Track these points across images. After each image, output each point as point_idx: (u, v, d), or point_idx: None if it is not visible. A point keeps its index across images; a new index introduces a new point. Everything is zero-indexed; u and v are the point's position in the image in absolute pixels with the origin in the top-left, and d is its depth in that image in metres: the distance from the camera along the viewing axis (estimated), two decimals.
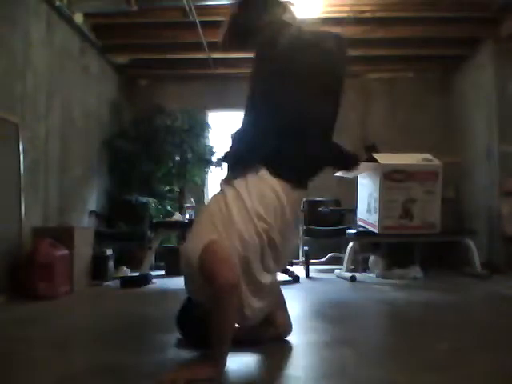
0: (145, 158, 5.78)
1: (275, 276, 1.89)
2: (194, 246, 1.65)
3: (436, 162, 4.75)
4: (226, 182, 1.81)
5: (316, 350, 1.97)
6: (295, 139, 1.79)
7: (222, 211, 1.71)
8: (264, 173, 1.76)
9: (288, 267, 4.51)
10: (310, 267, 4.96)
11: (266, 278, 1.76)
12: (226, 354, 1.61)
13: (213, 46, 5.54)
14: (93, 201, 5.46)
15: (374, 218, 4.66)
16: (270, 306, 1.89)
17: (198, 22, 4.88)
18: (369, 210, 4.79)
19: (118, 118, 6.10)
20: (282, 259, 1.86)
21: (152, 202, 5.56)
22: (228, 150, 1.87)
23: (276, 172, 1.76)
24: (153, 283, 4.34)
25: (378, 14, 4.86)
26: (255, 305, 1.75)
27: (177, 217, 5.09)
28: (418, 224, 4.63)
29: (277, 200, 1.75)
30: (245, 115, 1.87)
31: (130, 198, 5.50)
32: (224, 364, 1.60)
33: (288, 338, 2.08)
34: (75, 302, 3.54)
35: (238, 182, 1.76)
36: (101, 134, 5.68)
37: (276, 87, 1.81)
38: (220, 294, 1.55)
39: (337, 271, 4.97)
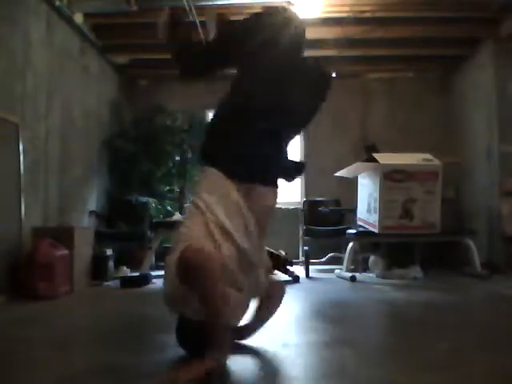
0: (145, 158, 5.78)
1: (257, 273, 1.88)
2: (173, 254, 1.64)
3: (436, 162, 4.75)
4: (198, 196, 1.78)
5: (316, 350, 1.97)
6: (272, 142, 1.82)
7: (202, 228, 1.70)
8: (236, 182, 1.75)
9: (288, 267, 4.51)
10: (310, 267, 4.95)
11: (245, 279, 1.78)
12: (226, 342, 1.57)
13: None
14: (93, 201, 5.46)
15: (373, 218, 4.66)
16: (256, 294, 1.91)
17: (197, 22, 4.88)
18: (369, 210, 4.78)
19: (117, 118, 6.10)
20: (259, 255, 1.87)
21: (152, 201, 5.56)
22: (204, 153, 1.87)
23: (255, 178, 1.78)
24: (153, 283, 4.33)
25: (378, 14, 4.86)
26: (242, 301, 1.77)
27: (177, 217, 5.08)
28: (418, 224, 4.63)
29: (245, 213, 1.75)
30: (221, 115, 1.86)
31: (130, 198, 5.50)
32: (224, 352, 1.56)
33: (288, 338, 2.09)
34: (75, 302, 3.54)
35: (211, 198, 1.73)
36: (101, 134, 5.68)
37: (272, 88, 1.82)
38: (198, 273, 1.51)
39: (337, 271, 4.96)
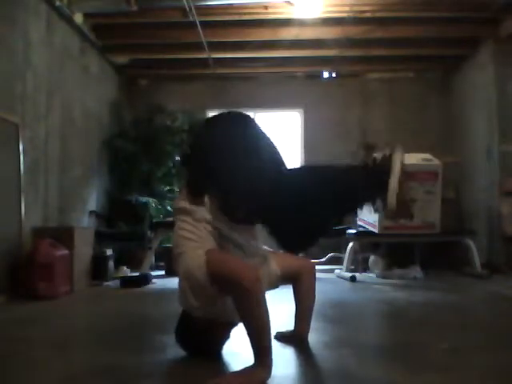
0: (145, 158, 5.78)
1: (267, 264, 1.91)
2: (193, 259, 1.62)
3: (436, 162, 4.75)
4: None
5: (316, 350, 1.97)
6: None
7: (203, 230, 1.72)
8: None
9: None
10: None
11: None
12: (271, 352, 1.55)
13: (213, 46, 5.55)
14: (93, 201, 5.46)
15: (374, 218, 4.66)
16: None
17: (197, 21, 4.88)
18: (369, 210, 4.78)
19: (117, 118, 6.10)
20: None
21: (152, 202, 5.56)
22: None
23: None
24: (153, 283, 4.34)
25: (378, 14, 4.86)
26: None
27: None
28: (417, 224, 4.62)
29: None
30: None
31: (130, 198, 5.50)
32: (272, 362, 1.54)
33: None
34: (75, 302, 3.53)
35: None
36: (101, 134, 5.68)
37: None
38: (247, 293, 1.50)
39: (337, 271, 4.97)
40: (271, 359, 1.54)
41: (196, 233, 1.70)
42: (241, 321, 1.60)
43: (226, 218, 1.74)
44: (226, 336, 1.88)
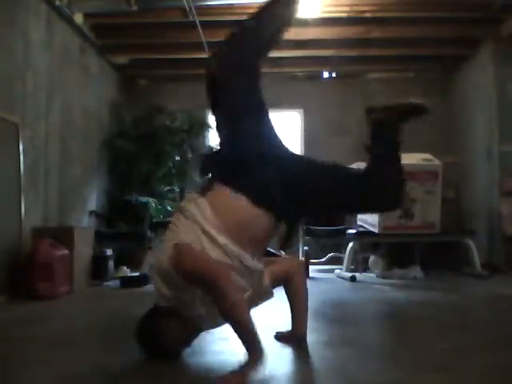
0: (145, 158, 5.78)
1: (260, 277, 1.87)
2: (162, 251, 1.69)
3: (436, 161, 4.75)
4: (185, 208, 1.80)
5: (316, 350, 1.97)
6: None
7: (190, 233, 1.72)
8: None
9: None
10: (310, 267, 4.96)
11: (245, 283, 1.78)
12: (260, 342, 1.56)
13: (213, 46, 5.54)
14: (93, 201, 5.45)
15: (373, 218, 4.66)
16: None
17: (197, 21, 4.88)
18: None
19: (117, 118, 6.09)
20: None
21: (152, 201, 5.56)
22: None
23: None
24: (153, 283, 4.33)
25: (377, 14, 4.86)
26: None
27: None
28: (417, 224, 4.63)
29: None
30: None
31: (130, 198, 5.49)
32: (262, 350, 1.55)
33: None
34: (75, 302, 3.53)
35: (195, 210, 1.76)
36: (101, 134, 5.68)
37: None
38: (221, 291, 1.52)
39: (337, 271, 4.97)
40: (260, 346, 1.54)
41: (179, 226, 1.73)
42: (222, 319, 1.62)
43: (233, 236, 1.72)
44: (188, 339, 1.83)
